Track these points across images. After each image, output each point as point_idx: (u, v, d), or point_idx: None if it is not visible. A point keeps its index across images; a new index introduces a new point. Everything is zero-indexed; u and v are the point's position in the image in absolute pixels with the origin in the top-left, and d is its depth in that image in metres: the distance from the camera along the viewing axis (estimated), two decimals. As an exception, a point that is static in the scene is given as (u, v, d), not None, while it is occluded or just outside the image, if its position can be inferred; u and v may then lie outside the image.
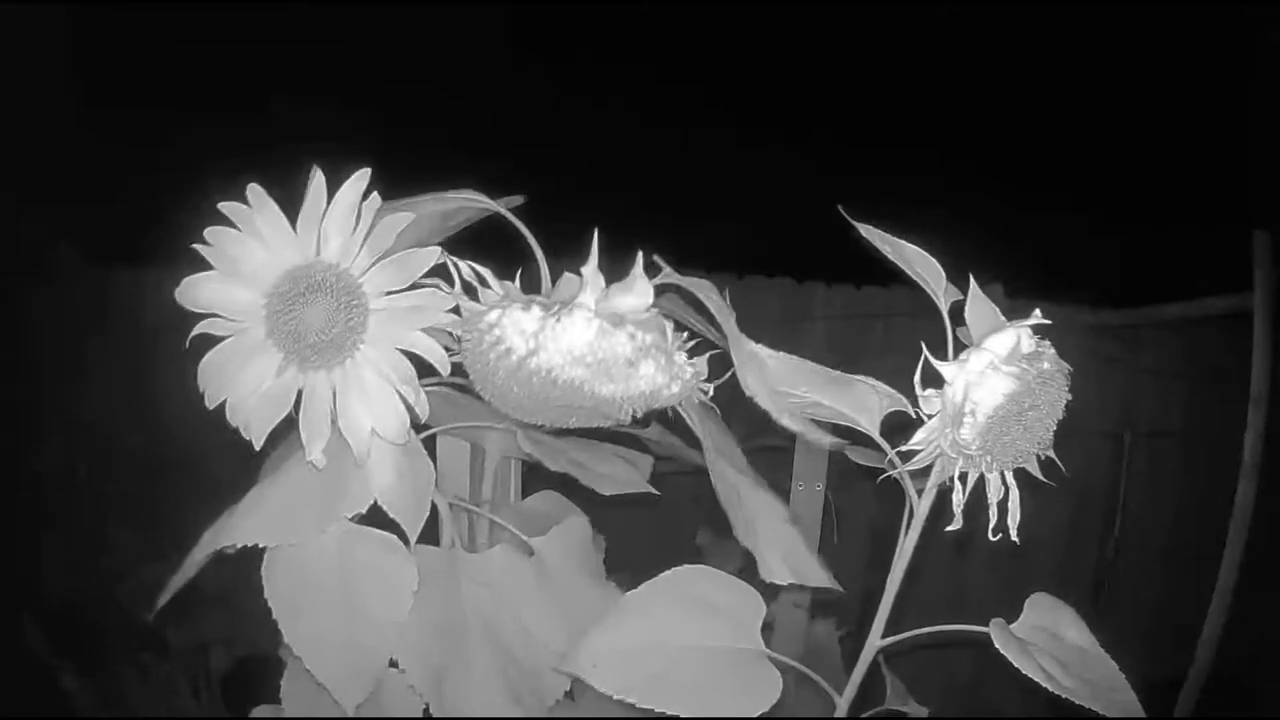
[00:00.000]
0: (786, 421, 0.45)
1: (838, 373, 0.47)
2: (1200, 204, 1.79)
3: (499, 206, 0.50)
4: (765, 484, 0.56)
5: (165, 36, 1.82)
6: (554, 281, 0.48)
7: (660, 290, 0.45)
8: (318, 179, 0.45)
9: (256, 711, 0.53)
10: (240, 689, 1.51)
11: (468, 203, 0.51)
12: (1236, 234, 1.34)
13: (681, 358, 0.45)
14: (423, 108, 1.93)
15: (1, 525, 1.51)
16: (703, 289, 0.46)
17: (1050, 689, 0.44)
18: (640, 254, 0.45)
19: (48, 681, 1.48)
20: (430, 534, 0.51)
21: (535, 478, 0.64)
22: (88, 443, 1.68)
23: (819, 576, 0.53)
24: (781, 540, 0.52)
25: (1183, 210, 1.81)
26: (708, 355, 0.47)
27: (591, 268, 0.44)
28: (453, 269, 0.46)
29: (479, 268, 0.46)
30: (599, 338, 0.43)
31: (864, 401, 0.47)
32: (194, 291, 0.46)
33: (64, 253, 1.72)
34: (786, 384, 0.47)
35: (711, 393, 0.47)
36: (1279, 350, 1.32)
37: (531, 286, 0.48)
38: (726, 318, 0.46)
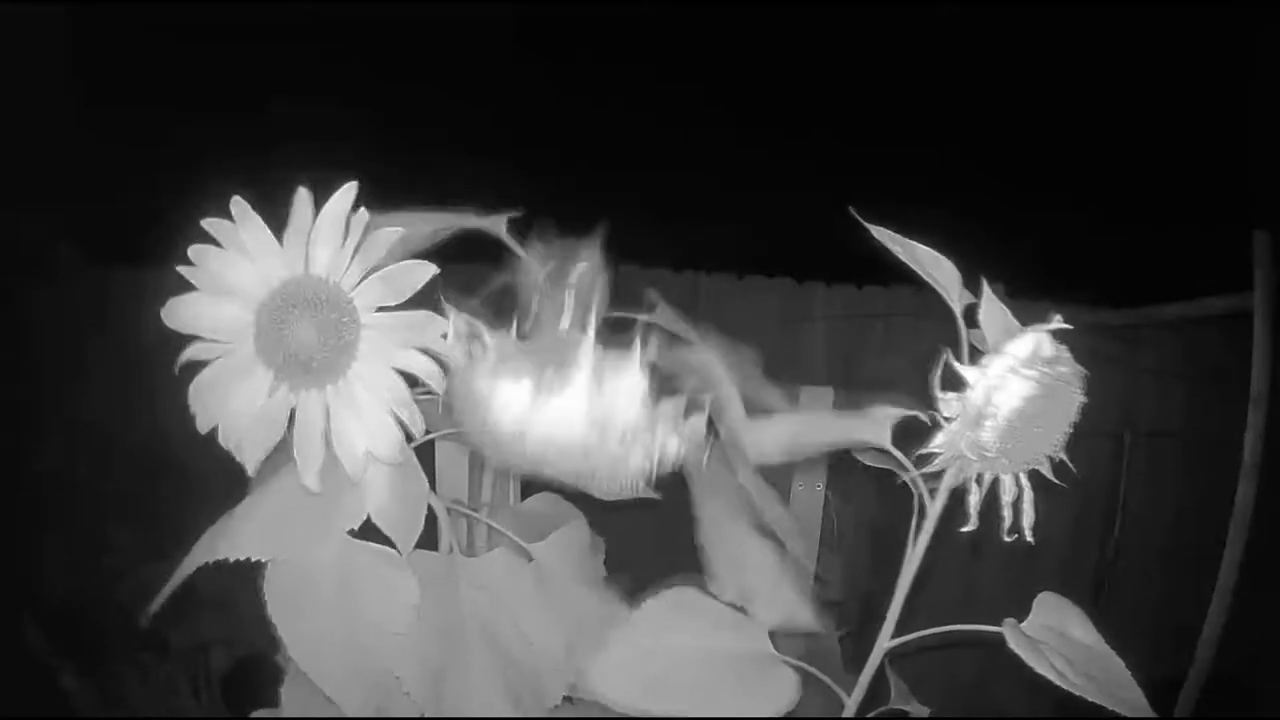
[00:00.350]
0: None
1: (843, 415, 0.48)
2: (1200, 204, 1.79)
3: (502, 234, 0.50)
4: (760, 524, 0.56)
5: (165, 36, 1.82)
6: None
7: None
8: (301, 193, 0.44)
9: (256, 714, 0.53)
10: (240, 689, 1.51)
11: (462, 220, 0.51)
12: (1236, 234, 1.34)
13: (674, 439, 0.46)
14: (422, 108, 1.93)
15: (1, 525, 1.51)
16: (702, 358, 0.47)
17: (1062, 687, 0.45)
18: (639, 336, 0.45)
19: (48, 681, 1.48)
20: (429, 538, 0.51)
21: (534, 480, 0.64)
22: (88, 443, 1.68)
23: (809, 622, 0.54)
24: (772, 588, 0.53)
25: (1183, 210, 1.81)
26: (705, 415, 0.48)
27: (588, 348, 0.45)
28: (449, 322, 0.46)
29: (474, 322, 0.46)
30: (590, 429, 0.44)
31: (875, 427, 0.48)
32: (181, 312, 0.45)
33: (64, 253, 1.72)
34: (799, 441, 0.47)
35: (708, 453, 0.48)
36: (1279, 350, 1.32)
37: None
38: (728, 391, 0.46)
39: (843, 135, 2.03)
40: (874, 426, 0.48)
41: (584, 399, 0.44)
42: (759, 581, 0.52)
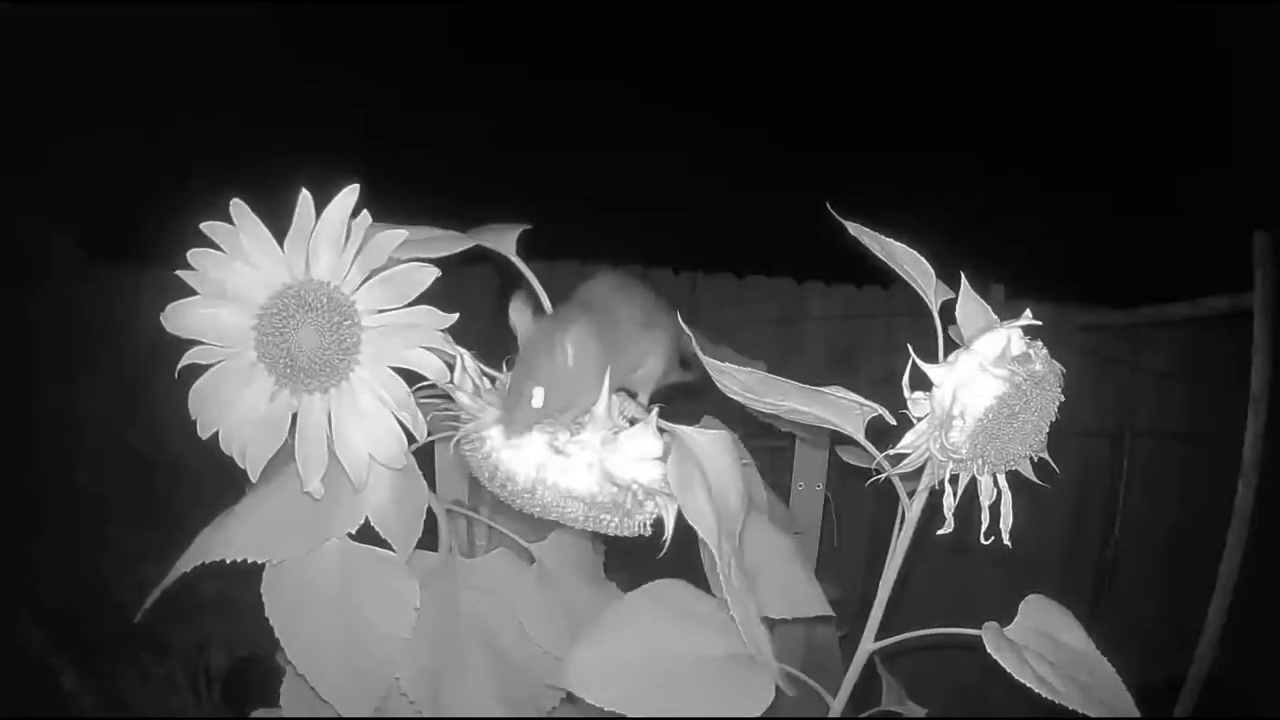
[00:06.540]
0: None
1: (807, 386, 0.46)
2: (1200, 204, 1.79)
3: (511, 253, 0.50)
4: (764, 517, 0.56)
5: (164, 36, 1.82)
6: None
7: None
8: (304, 197, 0.43)
9: (255, 714, 0.53)
10: (240, 689, 1.51)
11: (468, 240, 0.50)
12: (1236, 234, 1.34)
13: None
14: (421, 110, 1.93)
15: (1, 525, 1.51)
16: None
17: (1043, 693, 0.43)
18: (655, 411, 0.46)
19: (48, 681, 1.48)
20: (429, 539, 0.51)
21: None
22: (88, 443, 1.68)
23: (818, 605, 0.54)
24: (781, 578, 0.52)
25: (1183, 210, 1.81)
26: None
27: (602, 408, 0.45)
28: (460, 365, 0.46)
29: (486, 370, 0.46)
30: (602, 488, 0.45)
31: (840, 408, 0.46)
32: (181, 317, 0.44)
33: (64, 251, 1.72)
34: (758, 394, 0.46)
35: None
36: (1279, 350, 1.32)
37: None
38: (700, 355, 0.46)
39: (844, 136, 2.03)
40: (849, 415, 0.46)
41: (597, 456, 0.45)
42: (769, 573, 0.51)
